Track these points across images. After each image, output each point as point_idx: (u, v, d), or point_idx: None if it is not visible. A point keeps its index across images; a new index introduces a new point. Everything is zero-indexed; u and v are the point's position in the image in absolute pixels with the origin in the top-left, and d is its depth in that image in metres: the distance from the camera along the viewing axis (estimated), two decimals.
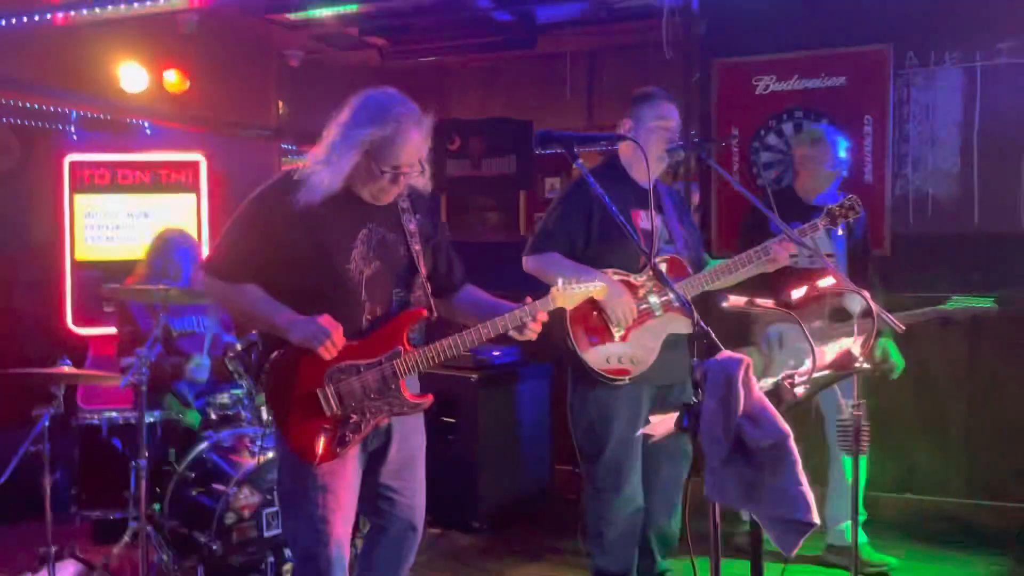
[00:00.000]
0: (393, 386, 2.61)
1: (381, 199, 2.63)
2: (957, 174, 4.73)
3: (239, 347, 4.15)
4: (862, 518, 3.76)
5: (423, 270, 2.69)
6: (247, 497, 3.70)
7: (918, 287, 4.41)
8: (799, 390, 2.45)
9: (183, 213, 5.64)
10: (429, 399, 2.70)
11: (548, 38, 5.69)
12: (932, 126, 4.75)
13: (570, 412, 3.50)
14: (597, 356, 3.31)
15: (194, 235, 5.18)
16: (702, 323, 2.11)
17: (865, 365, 2.54)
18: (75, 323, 5.52)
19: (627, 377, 3.32)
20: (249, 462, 3.81)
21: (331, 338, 2.48)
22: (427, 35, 5.60)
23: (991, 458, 4.72)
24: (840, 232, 3.49)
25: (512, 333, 2.67)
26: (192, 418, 4.35)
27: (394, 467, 2.74)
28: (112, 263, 5.34)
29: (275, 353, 2.58)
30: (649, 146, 3.34)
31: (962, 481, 4.78)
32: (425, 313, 2.68)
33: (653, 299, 3.35)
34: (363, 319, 2.60)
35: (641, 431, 2.62)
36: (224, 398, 4.24)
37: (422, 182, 2.74)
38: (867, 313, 2.82)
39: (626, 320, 3.27)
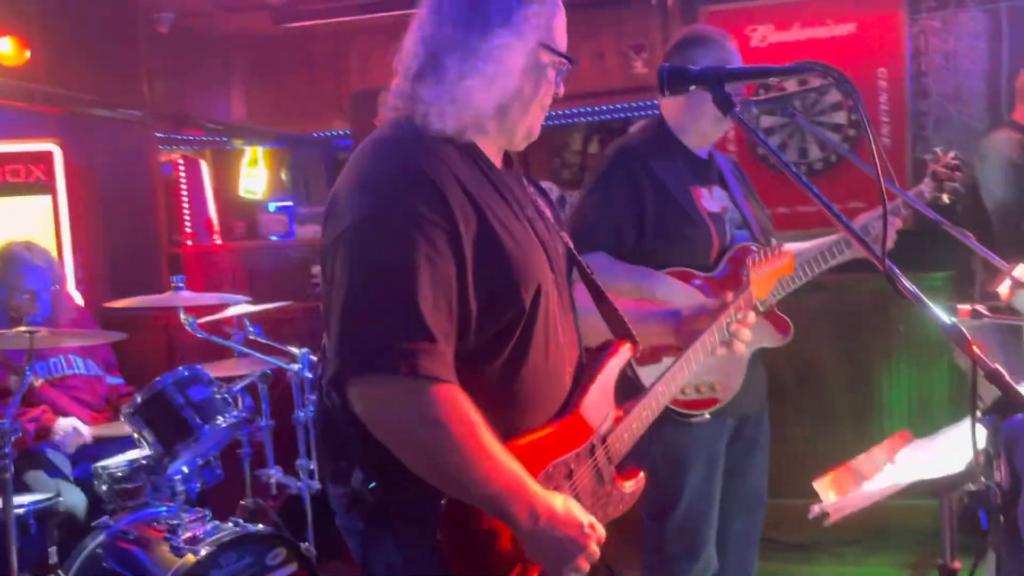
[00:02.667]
0: (607, 479, 1.62)
1: (524, 134, 1.59)
2: (985, 133, 4.13)
3: (139, 398, 3.06)
4: None
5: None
6: None
7: (948, 268, 3.84)
8: None
9: (34, 219, 4.39)
10: (641, 482, 1.72)
11: None
12: (955, 78, 4.20)
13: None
14: None
15: (49, 248, 4.00)
16: (984, 358, 1.29)
17: None
18: None
19: (706, 411, 2.48)
20: (174, 561, 2.72)
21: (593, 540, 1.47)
22: None
23: None
24: (946, 201, 2.72)
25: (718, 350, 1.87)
26: (73, 497, 3.23)
27: None
28: None
29: (444, 500, 1.41)
30: (704, 103, 2.54)
31: None
32: (633, 348, 1.72)
33: None
34: (566, 374, 1.58)
35: (817, 509, 1.78)
36: (119, 465, 3.11)
37: None
38: None
39: None
